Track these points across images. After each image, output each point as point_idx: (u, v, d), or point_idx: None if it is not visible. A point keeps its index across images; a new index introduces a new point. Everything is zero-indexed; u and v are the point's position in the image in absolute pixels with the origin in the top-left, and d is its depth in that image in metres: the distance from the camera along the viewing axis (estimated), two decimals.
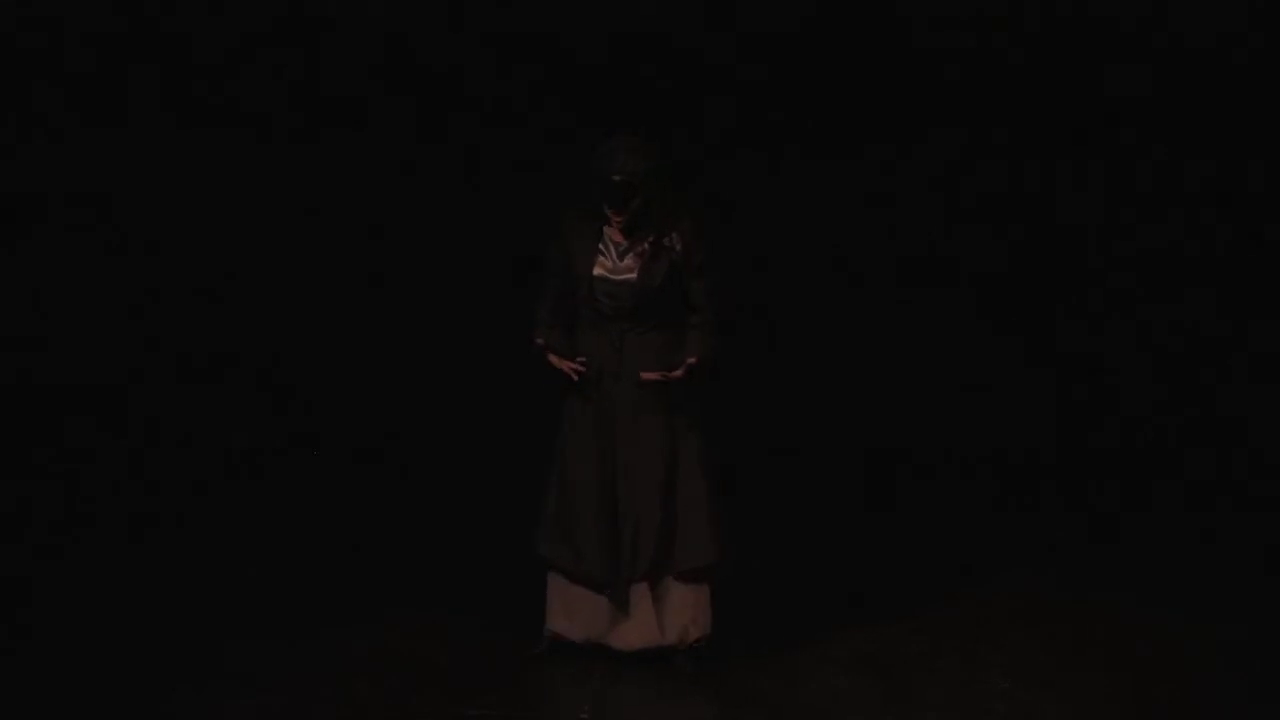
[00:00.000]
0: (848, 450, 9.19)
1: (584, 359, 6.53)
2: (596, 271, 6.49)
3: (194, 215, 9.37)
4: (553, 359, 6.54)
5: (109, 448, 8.98)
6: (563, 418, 6.67)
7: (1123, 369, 9.40)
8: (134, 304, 9.30)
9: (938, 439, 9.29)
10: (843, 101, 9.33)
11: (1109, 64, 9.19)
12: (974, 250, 9.42)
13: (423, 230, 9.47)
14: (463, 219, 9.45)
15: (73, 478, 8.69)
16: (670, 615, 6.62)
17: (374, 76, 9.40)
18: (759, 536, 7.37)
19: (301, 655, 6.78)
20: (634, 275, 6.48)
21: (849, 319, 9.36)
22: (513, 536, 7.80)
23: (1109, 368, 9.43)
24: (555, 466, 6.69)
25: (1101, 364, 9.44)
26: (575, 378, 6.52)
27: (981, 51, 9.24)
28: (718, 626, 6.69)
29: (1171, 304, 9.33)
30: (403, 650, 6.84)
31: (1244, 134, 9.10)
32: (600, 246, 6.50)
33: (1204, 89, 9.11)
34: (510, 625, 6.99)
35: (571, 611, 6.67)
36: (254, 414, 9.32)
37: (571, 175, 6.79)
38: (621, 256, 6.50)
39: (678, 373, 6.49)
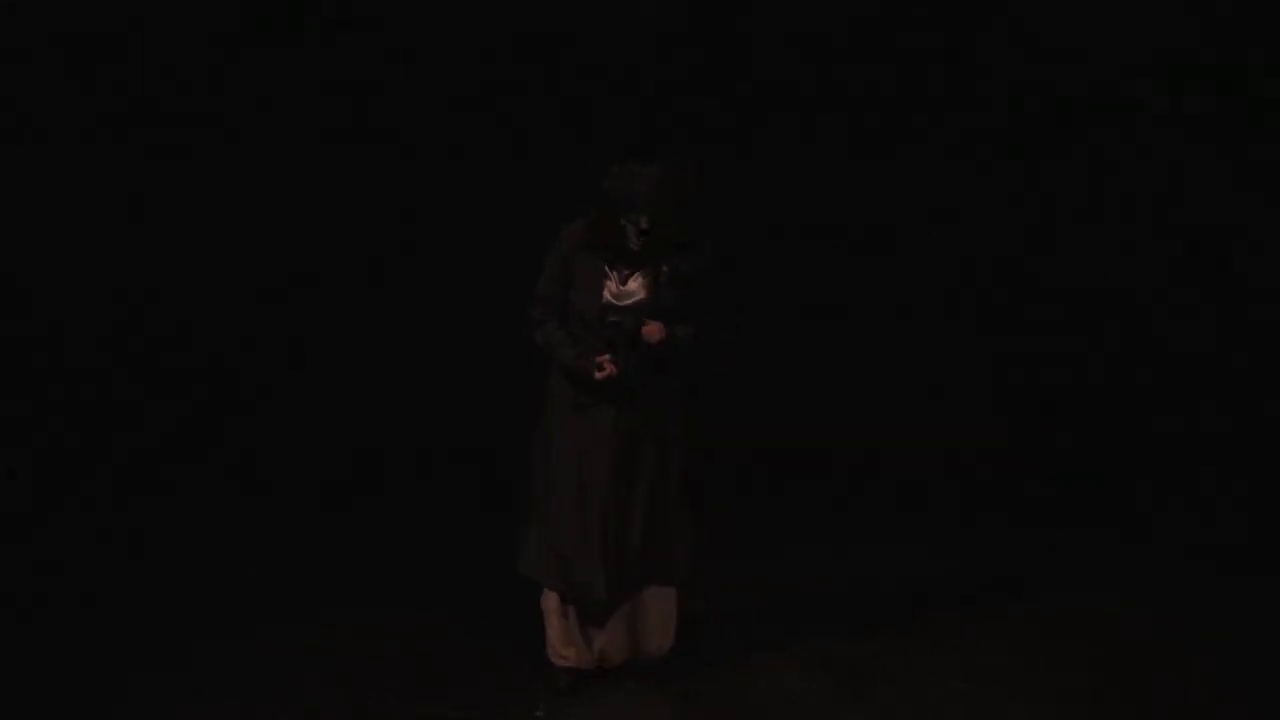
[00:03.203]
0: (806, 450, 9.21)
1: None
2: (604, 298, 6.35)
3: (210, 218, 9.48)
4: (607, 364, 6.33)
5: (83, 446, 9.05)
6: (552, 447, 6.50)
7: (1088, 369, 9.40)
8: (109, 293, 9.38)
9: (897, 438, 9.31)
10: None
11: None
12: (943, 250, 9.45)
13: (421, 231, 9.53)
14: (465, 218, 9.52)
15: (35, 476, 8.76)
16: (652, 626, 6.61)
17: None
18: (715, 537, 7.34)
19: (259, 656, 6.81)
20: (643, 296, 6.35)
21: (803, 316, 9.38)
22: (476, 538, 7.89)
23: (1075, 367, 9.42)
24: (547, 495, 6.50)
25: (1067, 363, 9.44)
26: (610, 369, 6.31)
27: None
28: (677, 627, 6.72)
29: (1138, 305, 9.33)
30: (359, 650, 6.87)
31: None
32: (607, 270, 6.35)
33: None
34: (468, 626, 7.04)
35: (573, 638, 6.59)
36: (232, 415, 9.41)
37: (573, 191, 6.67)
38: (625, 280, 6.36)
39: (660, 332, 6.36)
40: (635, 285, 6.35)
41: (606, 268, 6.35)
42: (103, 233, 9.25)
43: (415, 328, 9.50)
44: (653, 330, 6.31)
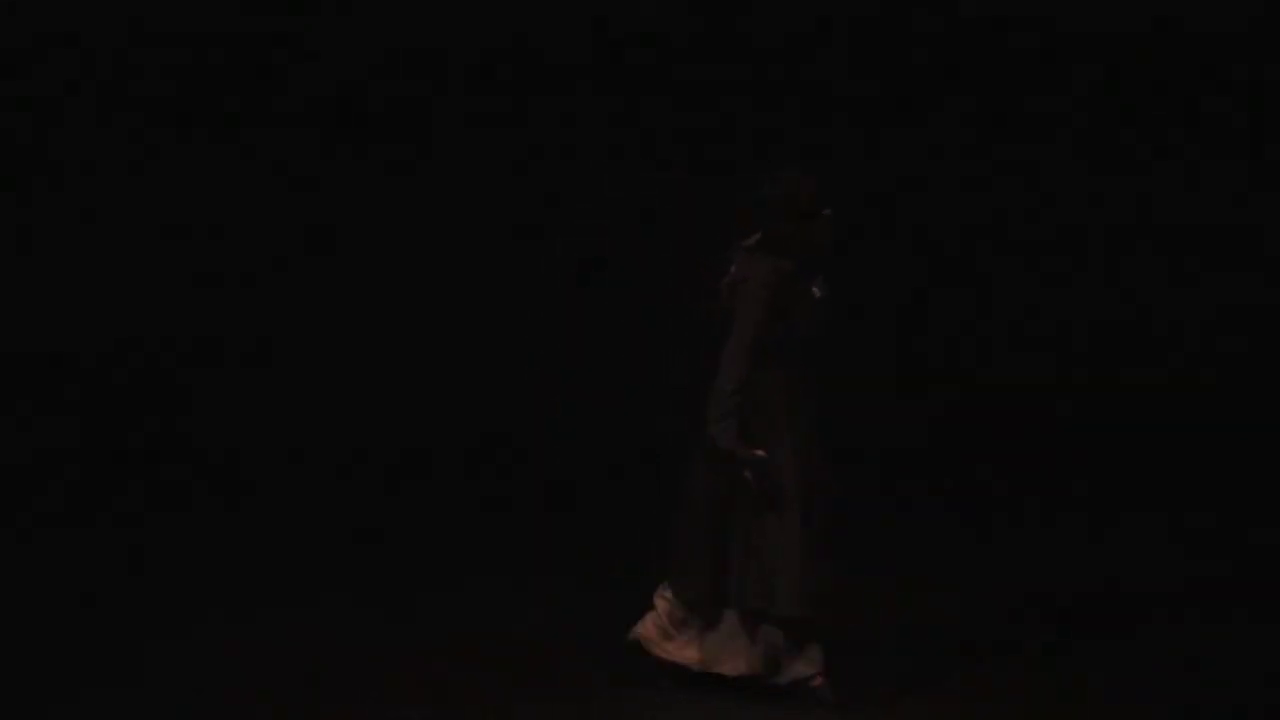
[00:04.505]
0: None
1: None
2: (815, 310, 6.23)
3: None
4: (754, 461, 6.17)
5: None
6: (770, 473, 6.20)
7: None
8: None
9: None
10: None
11: None
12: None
13: (437, 234, 9.60)
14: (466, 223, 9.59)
15: None
16: None
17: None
18: None
19: (189, 656, 6.80)
20: (821, 294, 6.30)
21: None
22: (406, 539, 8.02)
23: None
24: (792, 524, 6.21)
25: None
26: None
27: None
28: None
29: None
30: (265, 648, 6.86)
31: None
32: (813, 282, 6.25)
33: None
34: (359, 623, 7.12)
35: None
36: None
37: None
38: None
39: None
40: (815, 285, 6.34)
41: (809, 279, 6.26)
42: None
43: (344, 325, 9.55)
44: None
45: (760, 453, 6.10)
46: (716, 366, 6.17)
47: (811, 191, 6.17)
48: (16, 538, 8.19)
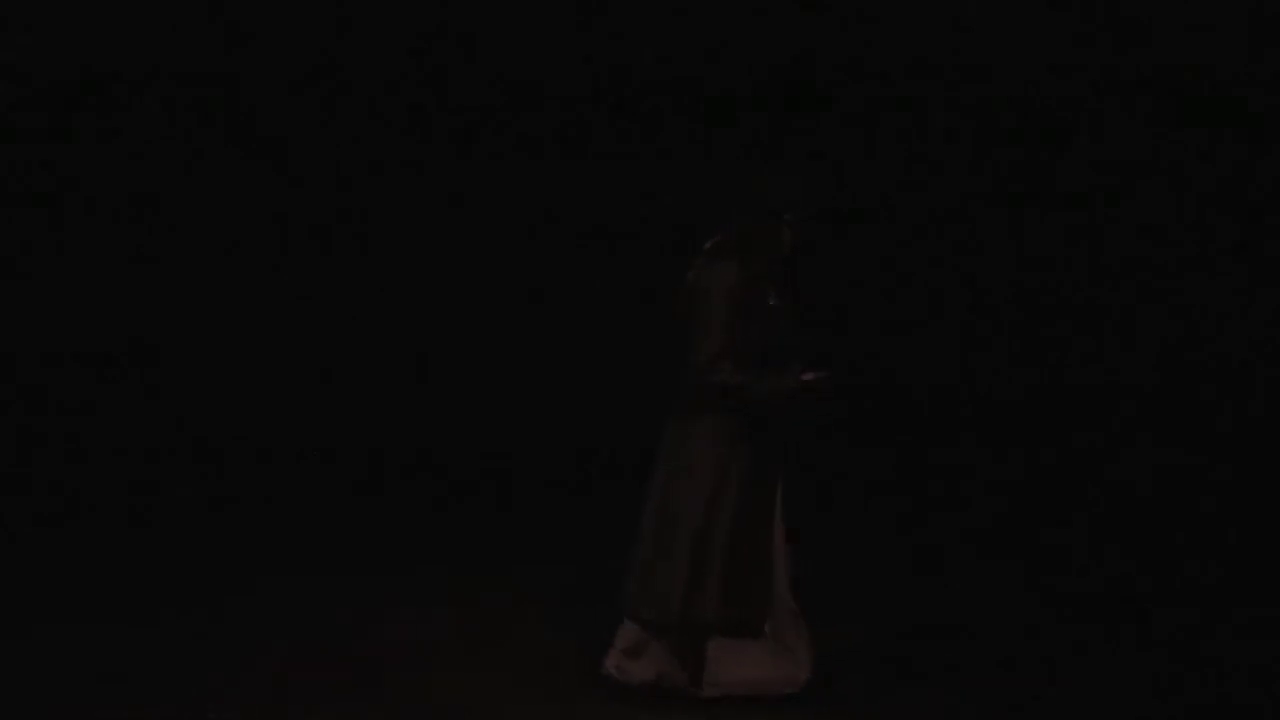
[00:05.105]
0: None
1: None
2: (777, 317, 6.17)
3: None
4: (812, 379, 6.09)
5: None
6: (750, 479, 6.19)
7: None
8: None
9: None
10: None
11: None
12: None
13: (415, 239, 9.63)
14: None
15: None
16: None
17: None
18: None
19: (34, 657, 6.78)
20: (782, 301, 6.22)
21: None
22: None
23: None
24: (748, 532, 6.17)
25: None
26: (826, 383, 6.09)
27: None
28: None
29: None
30: (77, 651, 6.84)
31: None
32: (770, 286, 6.19)
33: None
34: (348, 623, 7.14)
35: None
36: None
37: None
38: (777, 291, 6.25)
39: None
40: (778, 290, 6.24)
41: (768, 284, 6.16)
42: None
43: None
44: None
45: (809, 376, 6.03)
46: (683, 371, 6.14)
47: (777, 195, 6.09)
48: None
